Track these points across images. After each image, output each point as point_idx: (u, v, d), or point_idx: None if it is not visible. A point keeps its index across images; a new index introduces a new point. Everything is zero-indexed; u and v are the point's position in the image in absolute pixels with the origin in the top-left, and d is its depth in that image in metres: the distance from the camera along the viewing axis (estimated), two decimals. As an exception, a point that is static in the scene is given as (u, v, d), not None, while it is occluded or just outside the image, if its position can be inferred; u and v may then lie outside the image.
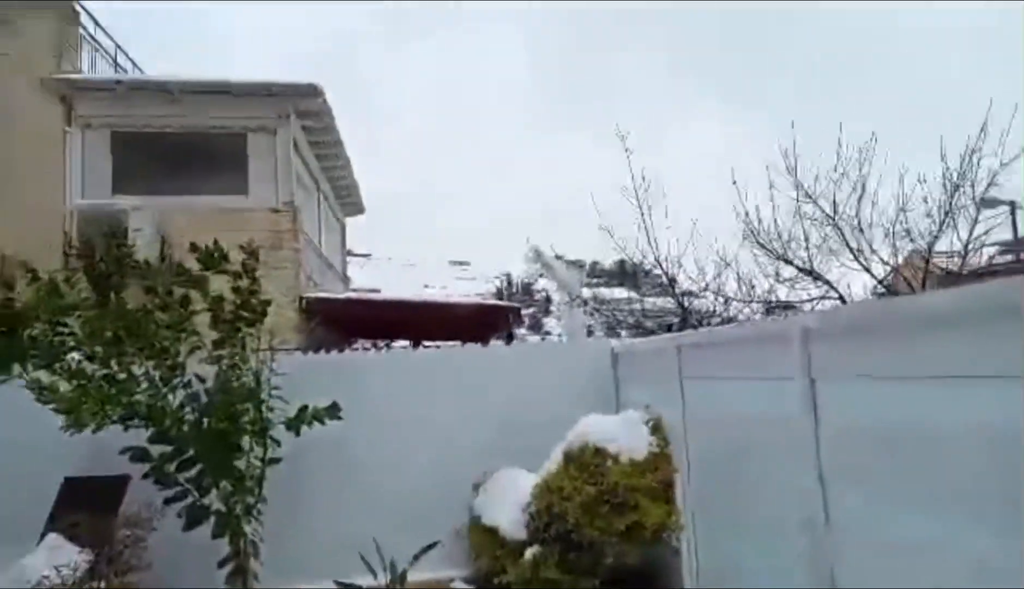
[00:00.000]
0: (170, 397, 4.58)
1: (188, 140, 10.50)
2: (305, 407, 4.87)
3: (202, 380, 4.65)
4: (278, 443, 4.71)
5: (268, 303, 4.76)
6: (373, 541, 5.33)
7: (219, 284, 4.67)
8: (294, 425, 4.78)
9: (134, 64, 13.63)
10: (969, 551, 2.17)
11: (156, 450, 4.42)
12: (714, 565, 4.26)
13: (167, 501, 4.34)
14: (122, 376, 4.46)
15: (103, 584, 4.19)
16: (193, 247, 4.59)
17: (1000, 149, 7.82)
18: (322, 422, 4.92)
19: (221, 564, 4.39)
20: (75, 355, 4.54)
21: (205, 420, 4.51)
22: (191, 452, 4.42)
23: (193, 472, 4.42)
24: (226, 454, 4.45)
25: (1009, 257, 11.01)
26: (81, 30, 11.01)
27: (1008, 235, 11.27)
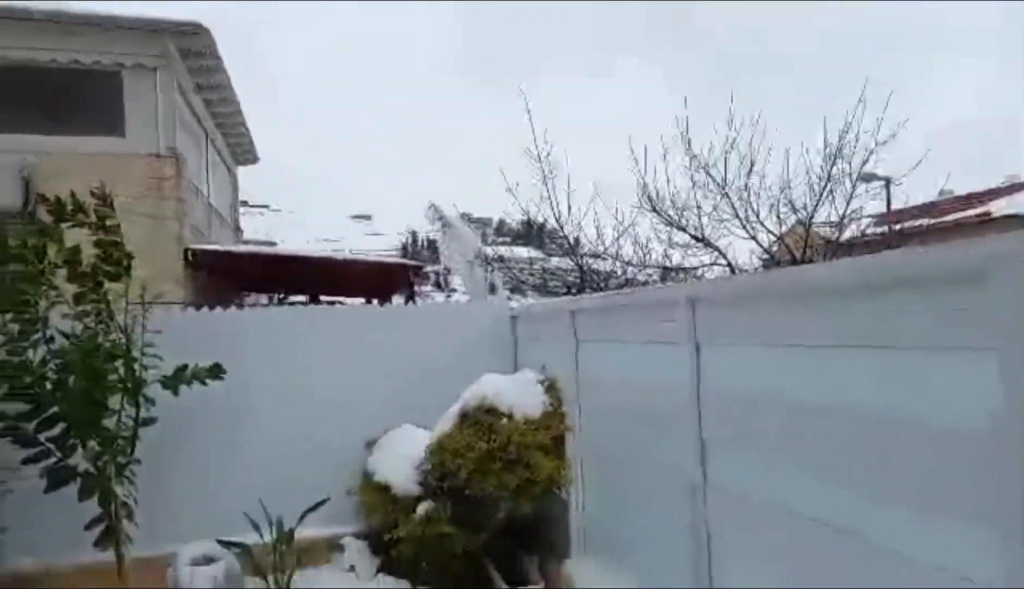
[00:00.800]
0: (30, 352, 4.22)
1: (59, 76, 9.55)
2: (184, 366, 4.62)
3: (66, 336, 4.32)
4: (152, 402, 4.45)
5: (131, 256, 4.44)
6: (259, 503, 5.20)
7: (80, 235, 4.30)
8: (171, 384, 4.53)
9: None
10: (837, 514, 2.30)
11: (13, 408, 4.08)
12: (600, 518, 4.41)
13: (25, 461, 4.02)
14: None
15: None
16: (43, 198, 4.21)
17: (877, 128, 8.35)
18: (203, 382, 4.69)
19: (89, 526, 4.13)
20: None
21: (69, 378, 4.19)
22: (53, 410, 4.10)
23: (56, 431, 4.11)
24: (92, 412, 4.16)
25: (882, 229, 11.83)
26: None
27: (883, 206, 12.14)
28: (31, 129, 9.15)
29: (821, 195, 8.71)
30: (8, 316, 4.16)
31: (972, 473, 1.79)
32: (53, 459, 4.10)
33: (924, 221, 11.62)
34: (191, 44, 9.99)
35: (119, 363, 4.33)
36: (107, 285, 4.31)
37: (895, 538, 2.04)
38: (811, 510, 2.41)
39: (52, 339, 4.26)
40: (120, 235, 4.37)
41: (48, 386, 4.15)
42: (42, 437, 4.10)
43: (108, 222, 4.34)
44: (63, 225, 4.25)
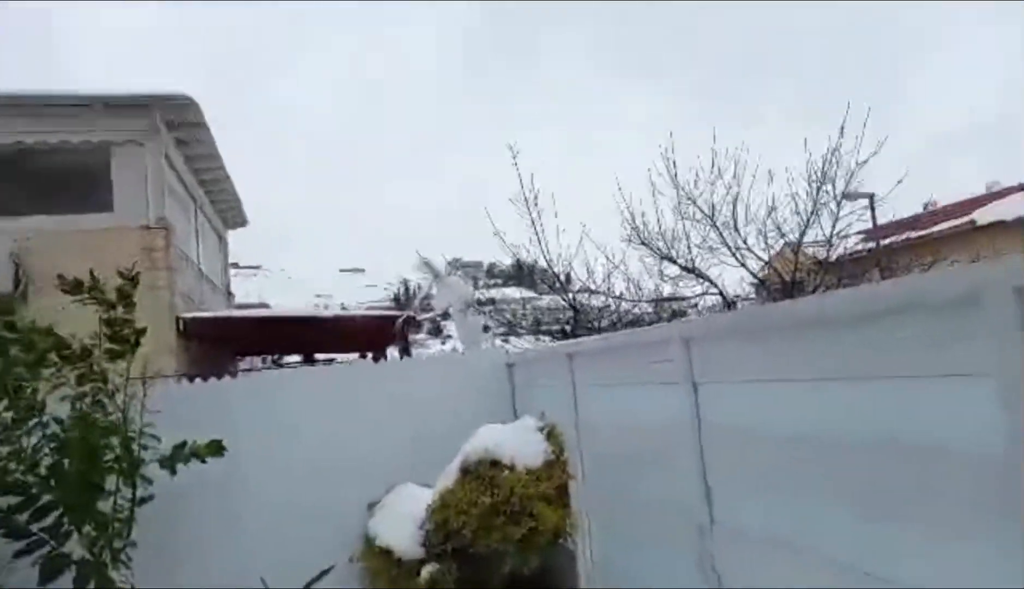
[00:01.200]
0: (24, 440, 4.14)
1: (47, 157, 9.64)
2: (183, 444, 4.53)
3: (59, 421, 4.25)
4: (149, 481, 4.36)
5: (143, 332, 4.40)
6: (261, 581, 5.07)
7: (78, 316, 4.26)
8: (169, 464, 4.45)
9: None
10: (849, 549, 2.25)
11: (3, 501, 3.98)
12: (608, 566, 4.32)
13: (17, 554, 3.91)
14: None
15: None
16: (61, 279, 4.18)
17: (857, 147, 8.46)
18: (202, 460, 4.60)
19: (87, 618, 4.01)
20: None
21: (64, 462, 4.11)
22: (46, 498, 4.01)
23: (49, 520, 4.01)
24: (88, 496, 4.07)
25: (869, 245, 11.90)
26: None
27: (869, 224, 12.23)
28: (20, 211, 9.19)
29: (808, 219, 8.79)
30: (2, 404, 4.09)
31: (979, 498, 1.75)
32: (47, 549, 3.99)
33: (910, 234, 11.70)
34: (179, 115, 10.13)
35: (115, 442, 4.26)
36: (107, 364, 4.25)
37: (905, 570, 1.99)
38: (818, 545, 2.36)
39: (47, 424, 4.18)
40: (134, 312, 4.33)
41: (42, 472, 4.07)
42: (34, 528, 4.00)
43: (130, 300, 4.30)
44: (73, 302, 4.20)
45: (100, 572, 4.06)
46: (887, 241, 11.08)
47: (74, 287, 4.18)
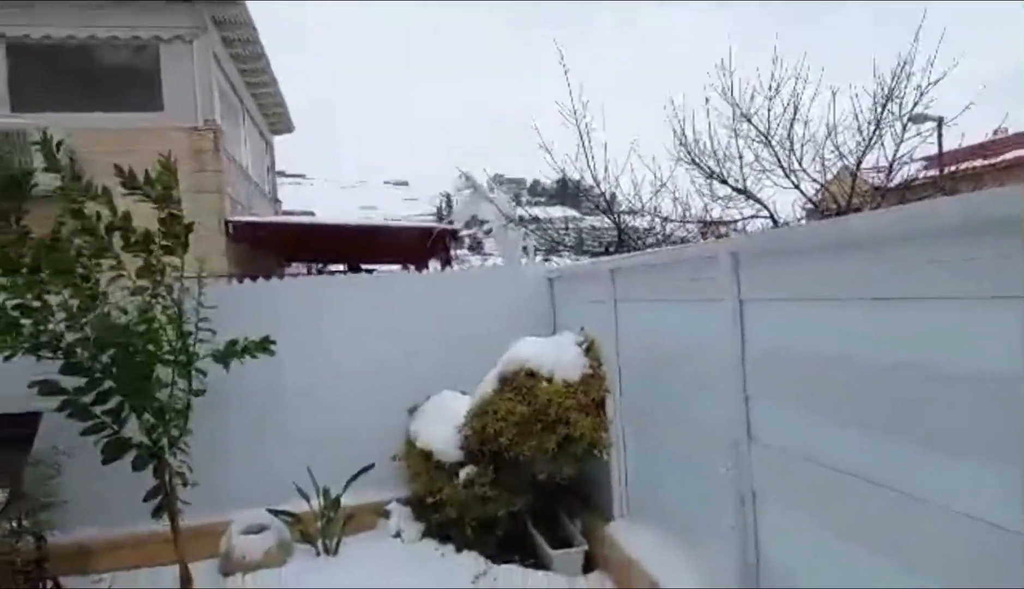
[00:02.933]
0: (88, 327, 4.32)
1: (96, 52, 9.67)
2: (235, 341, 4.69)
3: (123, 310, 4.41)
4: (204, 374, 4.55)
5: (190, 228, 4.48)
6: (307, 471, 5.33)
7: (128, 206, 4.35)
8: (222, 359, 4.62)
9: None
10: (879, 467, 2.24)
11: (71, 383, 4.20)
12: (642, 480, 4.40)
13: (83, 432, 4.15)
14: (35, 304, 4.18)
15: (14, 523, 4.04)
16: (118, 170, 4.24)
17: (929, 67, 7.90)
18: (253, 356, 4.77)
19: (147, 498, 4.28)
20: None
21: (126, 350, 4.29)
22: (108, 384, 4.22)
23: (111, 404, 4.23)
24: (147, 385, 4.27)
25: (933, 172, 11.35)
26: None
27: (934, 150, 11.61)
28: (72, 107, 9.30)
29: (870, 140, 8.33)
30: (68, 292, 4.25)
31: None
32: (108, 432, 4.23)
33: (977, 163, 11.09)
34: (226, 13, 10.00)
35: (172, 335, 4.42)
36: (163, 258, 4.38)
37: (940, 491, 1.99)
38: (854, 464, 2.36)
39: (109, 314, 4.35)
40: (180, 207, 4.41)
41: (104, 360, 4.26)
42: (97, 410, 4.22)
43: (171, 192, 4.37)
44: (129, 197, 4.27)
45: (158, 456, 4.30)
46: (951, 169, 10.52)
47: (129, 180, 4.25)
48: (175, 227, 4.37)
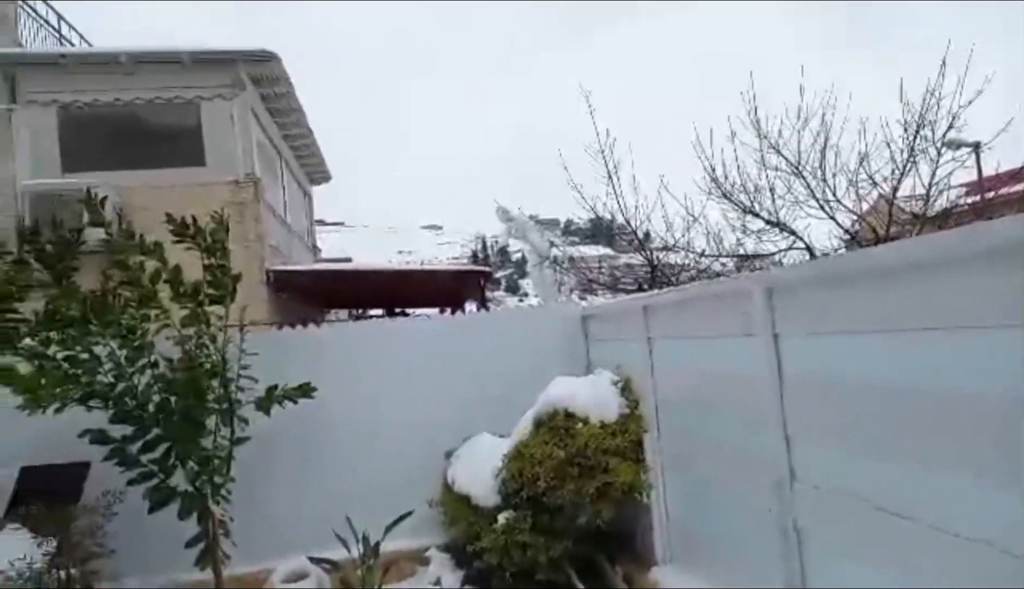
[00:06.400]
0: (136, 377, 4.45)
1: (141, 113, 10.13)
2: (274, 387, 4.78)
3: (168, 360, 4.54)
4: (246, 422, 4.63)
5: (238, 278, 4.63)
6: (346, 518, 5.33)
7: (177, 257, 4.52)
8: (264, 406, 4.70)
9: (80, 36, 13.09)
10: (936, 506, 2.17)
11: (118, 431, 4.31)
12: (684, 522, 4.31)
13: (131, 482, 4.24)
14: (84, 356, 4.32)
15: (62, 574, 4.12)
16: (169, 218, 4.43)
17: (959, 90, 7.79)
18: (294, 401, 4.85)
19: (189, 544, 4.33)
20: (28, 341, 4.37)
21: (171, 399, 4.40)
22: (155, 432, 4.32)
23: (158, 453, 4.32)
24: (192, 433, 4.37)
25: (972, 199, 11.10)
26: (20, 2, 10.53)
27: (971, 176, 11.37)
28: (120, 166, 9.72)
29: (905, 167, 8.21)
30: (117, 343, 4.39)
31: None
32: (155, 480, 4.31)
33: (1018, 187, 10.81)
34: (263, 71, 10.43)
35: (216, 383, 4.52)
36: (209, 307, 4.51)
37: (985, 528, 1.91)
38: (899, 502, 2.29)
39: (156, 364, 4.47)
40: (229, 258, 4.56)
41: (151, 409, 4.37)
42: (144, 459, 4.31)
43: (223, 245, 4.53)
44: (178, 245, 4.44)
45: (203, 504, 4.36)
46: (991, 194, 10.27)
47: (179, 228, 4.42)
48: (223, 278, 4.52)
